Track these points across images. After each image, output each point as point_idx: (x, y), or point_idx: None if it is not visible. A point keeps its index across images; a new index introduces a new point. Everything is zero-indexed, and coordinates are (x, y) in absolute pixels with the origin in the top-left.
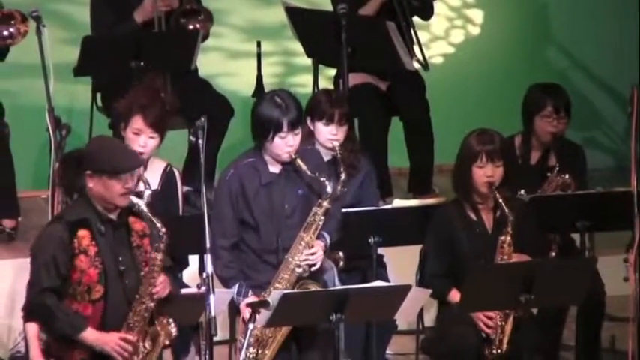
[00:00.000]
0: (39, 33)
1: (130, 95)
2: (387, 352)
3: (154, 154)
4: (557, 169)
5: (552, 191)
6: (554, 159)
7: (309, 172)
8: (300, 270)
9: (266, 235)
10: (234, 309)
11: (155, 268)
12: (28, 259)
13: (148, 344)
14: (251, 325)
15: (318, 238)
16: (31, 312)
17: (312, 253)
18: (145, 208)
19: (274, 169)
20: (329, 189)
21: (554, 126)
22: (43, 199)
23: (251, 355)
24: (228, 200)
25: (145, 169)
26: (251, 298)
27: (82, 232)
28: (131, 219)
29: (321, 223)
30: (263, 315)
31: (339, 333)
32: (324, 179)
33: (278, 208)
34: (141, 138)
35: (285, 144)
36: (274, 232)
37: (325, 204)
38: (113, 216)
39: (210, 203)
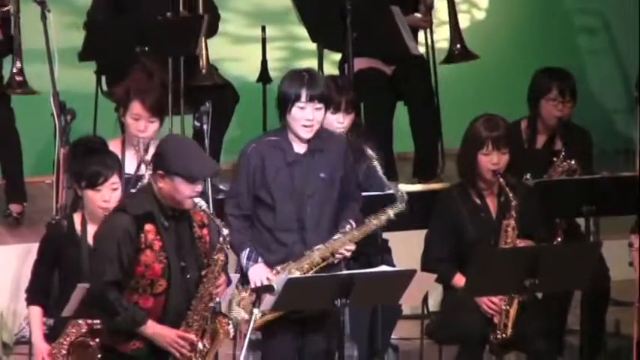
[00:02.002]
0: (43, 18)
1: (128, 81)
2: (392, 336)
3: (156, 137)
4: (563, 153)
5: (558, 176)
6: (560, 143)
7: (383, 178)
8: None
9: (282, 214)
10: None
11: (217, 269)
12: (33, 245)
13: (206, 342)
14: (256, 310)
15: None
16: (91, 304)
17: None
18: (207, 209)
19: (299, 148)
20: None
21: (560, 110)
22: (48, 185)
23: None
24: (245, 175)
25: (147, 152)
26: (260, 267)
27: (148, 227)
28: (191, 210)
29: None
30: (268, 300)
31: (344, 318)
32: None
33: (299, 189)
34: (140, 122)
35: (303, 116)
36: (292, 212)
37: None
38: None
39: (216, 189)
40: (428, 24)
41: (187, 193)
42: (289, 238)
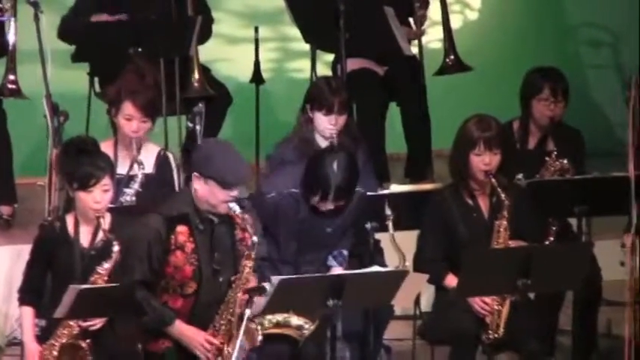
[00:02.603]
0: (36, 19)
1: (119, 81)
2: (384, 337)
3: (148, 137)
4: (555, 153)
5: (550, 175)
6: (552, 143)
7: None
8: None
9: (286, 249)
10: None
11: (244, 275)
12: (25, 246)
13: (232, 348)
14: (248, 311)
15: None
16: (120, 302)
17: None
18: (240, 214)
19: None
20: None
21: (552, 109)
22: (40, 186)
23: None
24: (259, 218)
25: (139, 152)
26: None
27: (181, 228)
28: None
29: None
30: (260, 301)
31: (336, 319)
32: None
33: (307, 238)
34: (133, 123)
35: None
36: (294, 249)
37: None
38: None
39: None
40: (418, 36)
41: (222, 197)
42: (288, 271)
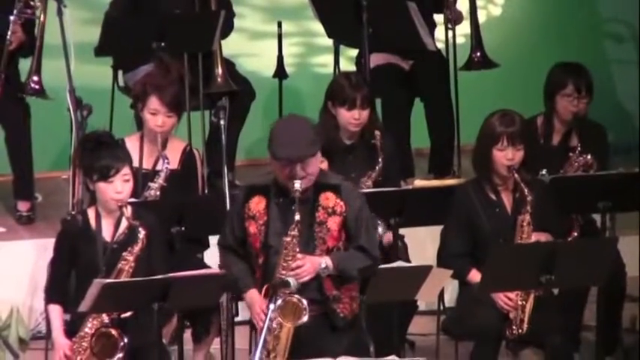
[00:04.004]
0: (60, 13)
1: (145, 76)
2: (408, 332)
3: (174, 133)
4: (579, 149)
5: (574, 171)
6: (576, 139)
7: None
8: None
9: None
10: None
11: (285, 251)
12: (49, 240)
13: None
14: (272, 306)
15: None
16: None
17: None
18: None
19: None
20: None
21: (575, 105)
22: (64, 180)
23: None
24: None
25: (165, 148)
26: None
27: (257, 199)
28: (324, 194)
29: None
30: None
31: (361, 314)
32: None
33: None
34: (158, 118)
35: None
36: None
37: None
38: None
39: (232, 184)
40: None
41: (284, 173)
42: None
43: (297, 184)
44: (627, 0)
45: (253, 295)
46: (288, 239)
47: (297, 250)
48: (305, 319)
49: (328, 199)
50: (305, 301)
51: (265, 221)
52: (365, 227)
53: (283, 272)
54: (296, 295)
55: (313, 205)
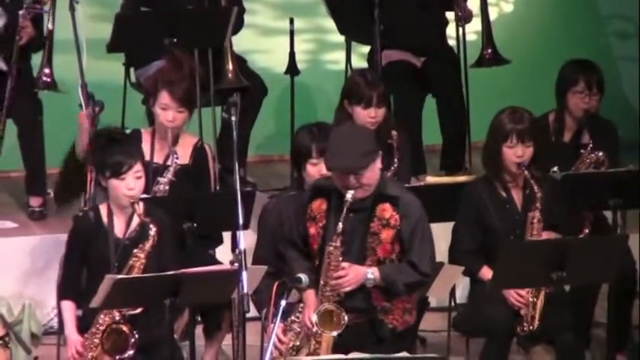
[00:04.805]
0: (72, 9)
1: (157, 71)
2: (419, 329)
3: (185, 129)
4: (590, 146)
5: (585, 168)
6: (587, 136)
7: None
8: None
9: None
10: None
11: (328, 260)
12: (61, 235)
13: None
14: (283, 302)
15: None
16: None
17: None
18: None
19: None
20: None
21: (586, 102)
22: None
23: (290, 344)
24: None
25: (176, 143)
26: None
27: (320, 201)
28: (381, 206)
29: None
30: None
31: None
32: None
33: None
34: (169, 113)
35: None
36: None
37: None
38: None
39: (244, 181)
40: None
41: (338, 182)
42: None
43: (349, 195)
44: None
45: (308, 296)
46: (331, 249)
47: (340, 259)
48: (342, 325)
49: (385, 210)
50: (343, 310)
51: (324, 225)
52: (419, 242)
53: (326, 280)
54: (334, 304)
55: (369, 215)
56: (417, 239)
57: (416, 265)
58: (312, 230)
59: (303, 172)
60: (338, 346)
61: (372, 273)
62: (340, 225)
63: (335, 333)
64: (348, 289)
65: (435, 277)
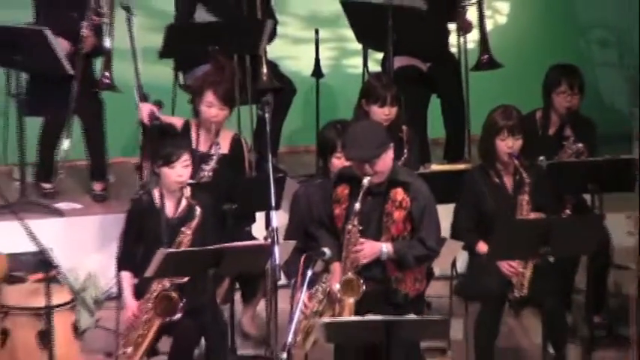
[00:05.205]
0: (128, 21)
1: (203, 74)
2: (426, 295)
3: (225, 125)
4: (572, 138)
5: (567, 157)
6: (569, 130)
7: None
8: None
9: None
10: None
11: (348, 237)
12: (120, 215)
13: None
14: (309, 272)
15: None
16: None
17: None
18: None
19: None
20: None
21: (569, 101)
22: (133, 164)
23: (314, 309)
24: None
25: (217, 135)
26: None
27: (344, 187)
28: (394, 190)
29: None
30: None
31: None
32: None
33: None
34: (212, 109)
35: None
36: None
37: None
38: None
39: (276, 168)
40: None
41: (357, 169)
42: None
43: (365, 180)
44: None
45: (335, 267)
46: (350, 227)
47: (359, 236)
48: (361, 292)
49: (398, 194)
50: (361, 279)
51: (347, 206)
52: (427, 222)
53: (347, 254)
54: (354, 274)
55: (384, 198)
56: (426, 219)
57: (424, 241)
58: (337, 211)
59: (328, 163)
60: (358, 311)
61: (386, 247)
62: (357, 205)
63: (353, 299)
64: (365, 261)
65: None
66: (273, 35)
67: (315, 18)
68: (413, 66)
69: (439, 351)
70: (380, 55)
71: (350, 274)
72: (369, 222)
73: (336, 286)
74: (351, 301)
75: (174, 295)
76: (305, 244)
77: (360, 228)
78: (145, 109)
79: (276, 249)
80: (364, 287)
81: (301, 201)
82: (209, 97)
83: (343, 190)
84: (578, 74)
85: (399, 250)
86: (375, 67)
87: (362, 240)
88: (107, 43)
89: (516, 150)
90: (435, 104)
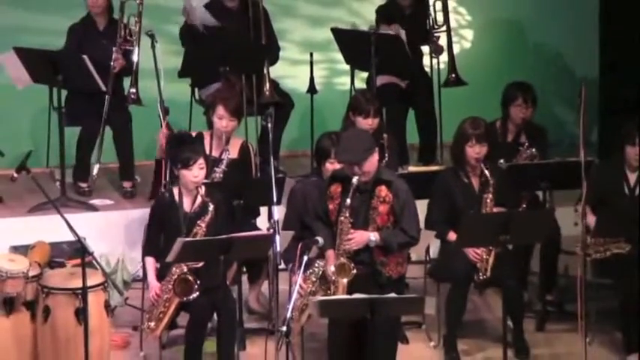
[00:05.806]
0: (153, 47)
1: (216, 90)
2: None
3: (235, 133)
4: (526, 144)
5: (523, 161)
6: (524, 137)
7: None
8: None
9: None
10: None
11: (340, 227)
12: (145, 210)
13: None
14: (305, 258)
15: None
16: None
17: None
18: (355, 187)
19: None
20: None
21: (524, 113)
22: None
23: (309, 289)
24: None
25: (228, 143)
26: None
27: (336, 185)
28: (379, 187)
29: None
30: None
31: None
32: None
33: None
34: (223, 121)
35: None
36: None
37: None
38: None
39: (277, 170)
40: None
41: (347, 170)
42: None
43: (355, 179)
44: (556, 34)
45: (329, 255)
46: (342, 219)
47: (350, 227)
48: (352, 275)
49: (382, 190)
50: (352, 263)
51: (339, 202)
52: (407, 214)
53: (340, 242)
54: (346, 259)
55: (371, 194)
56: (406, 212)
57: (406, 231)
58: (331, 206)
59: (322, 167)
60: (349, 290)
61: (374, 236)
62: (348, 201)
63: (346, 280)
64: (355, 247)
65: None
66: (276, 59)
67: (309, 43)
68: (393, 83)
69: (416, 324)
70: (365, 75)
71: (342, 259)
72: (358, 215)
73: (331, 269)
74: (344, 281)
75: (190, 277)
76: (301, 234)
77: (351, 220)
78: (162, 137)
79: (277, 238)
80: (355, 270)
81: (297, 196)
82: (220, 110)
83: (336, 189)
84: (532, 90)
85: (385, 239)
86: (360, 84)
87: (352, 230)
88: (134, 64)
89: (483, 155)
90: (412, 115)
